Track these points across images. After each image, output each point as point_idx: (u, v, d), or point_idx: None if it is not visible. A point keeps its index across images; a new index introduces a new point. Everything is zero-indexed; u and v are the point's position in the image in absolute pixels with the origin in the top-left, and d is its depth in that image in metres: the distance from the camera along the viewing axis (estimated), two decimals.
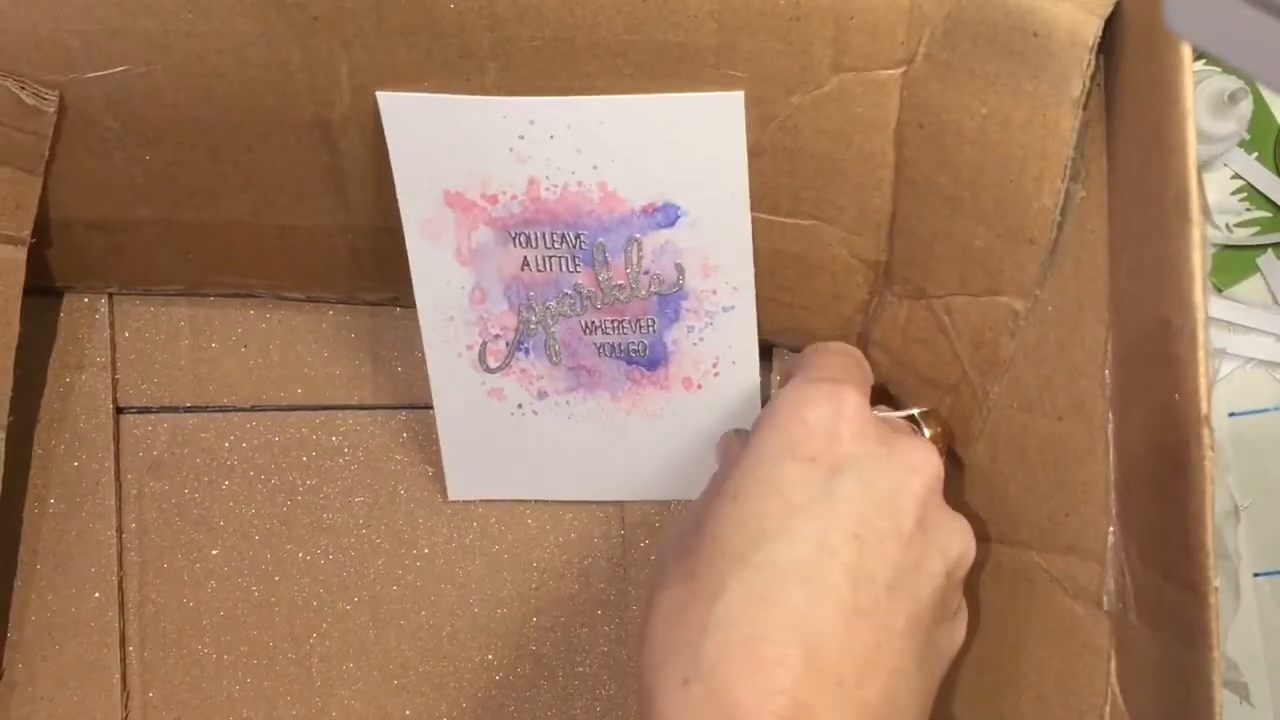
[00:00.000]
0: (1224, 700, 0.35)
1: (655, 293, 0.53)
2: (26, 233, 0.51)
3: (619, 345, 0.54)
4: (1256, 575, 0.60)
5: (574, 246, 0.52)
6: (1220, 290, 0.61)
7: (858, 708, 0.37)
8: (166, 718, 0.59)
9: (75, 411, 0.59)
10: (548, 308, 0.53)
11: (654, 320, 0.53)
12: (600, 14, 0.45)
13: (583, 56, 0.46)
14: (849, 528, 0.39)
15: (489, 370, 0.55)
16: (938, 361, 0.50)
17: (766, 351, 0.58)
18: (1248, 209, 0.61)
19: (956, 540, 0.43)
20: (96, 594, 0.58)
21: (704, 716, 0.37)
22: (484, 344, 0.55)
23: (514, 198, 0.51)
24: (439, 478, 0.59)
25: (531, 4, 0.45)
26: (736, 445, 0.47)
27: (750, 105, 0.47)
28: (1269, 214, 0.61)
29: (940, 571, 0.42)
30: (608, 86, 0.47)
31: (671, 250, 0.51)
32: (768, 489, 0.40)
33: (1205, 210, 0.37)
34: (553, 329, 0.54)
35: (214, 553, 0.59)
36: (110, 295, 0.59)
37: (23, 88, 0.48)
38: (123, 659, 0.58)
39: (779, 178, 0.49)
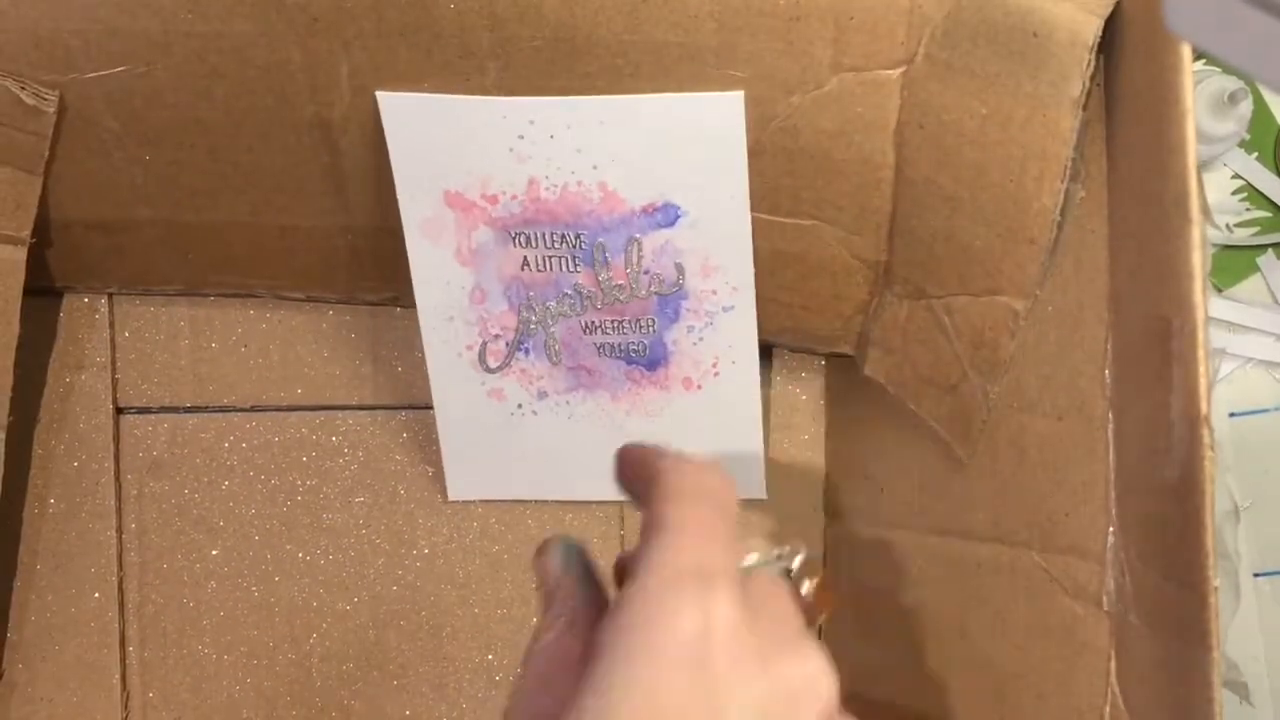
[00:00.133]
0: (1224, 700, 0.35)
1: (655, 293, 0.53)
2: (26, 233, 0.51)
3: (619, 345, 0.54)
4: (1256, 575, 0.60)
5: (574, 246, 0.52)
6: (1220, 290, 0.61)
7: None
8: (166, 718, 0.59)
9: (75, 411, 0.59)
10: (548, 308, 0.53)
11: (654, 320, 0.53)
12: (600, 14, 0.45)
13: (583, 56, 0.46)
14: None
15: (489, 370, 0.55)
16: (938, 361, 0.50)
17: (766, 351, 0.58)
18: (1248, 209, 0.61)
19: None
20: (96, 594, 0.58)
21: None
22: (484, 344, 0.55)
23: (514, 198, 0.51)
24: (439, 478, 0.59)
25: (531, 4, 0.45)
26: (568, 585, 0.39)
27: (750, 105, 0.47)
28: (1269, 214, 0.61)
29: None
30: (608, 86, 0.47)
31: (671, 250, 0.51)
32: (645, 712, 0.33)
33: (1205, 210, 0.37)
34: (553, 329, 0.54)
35: (214, 553, 0.59)
36: (110, 295, 0.59)
37: (23, 88, 0.48)
38: (123, 659, 0.58)
39: (779, 178, 0.49)
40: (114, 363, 0.59)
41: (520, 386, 0.55)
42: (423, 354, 0.55)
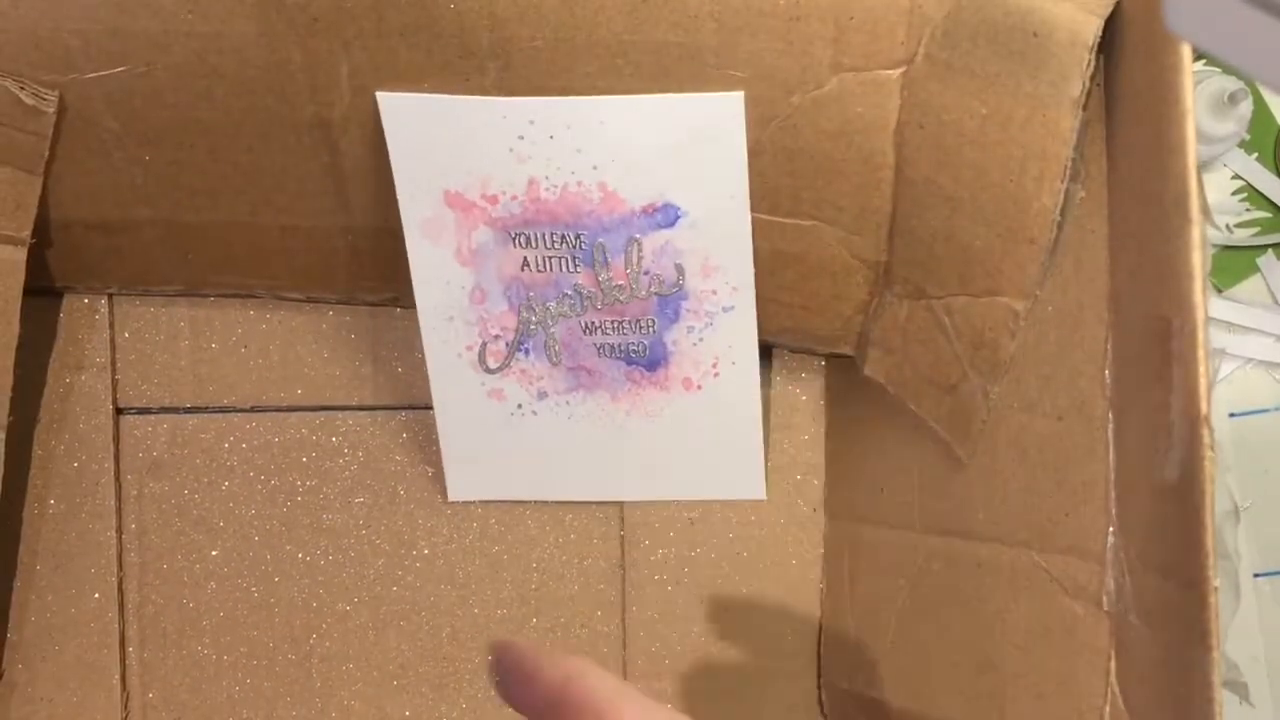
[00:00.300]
0: (1224, 700, 0.35)
1: (655, 293, 0.53)
2: (26, 233, 0.51)
3: (619, 345, 0.54)
4: (1256, 575, 0.60)
5: (574, 247, 0.52)
6: (1220, 290, 0.61)
7: None
8: (166, 718, 0.59)
9: (75, 411, 0.59)
10: (548, 308, 0.53)
11: (654, 320, 0.53)
12: (600, 14, 0.45)
13: (583, 56, 0.46)
14: None
15: (489, 371, 0.55)
16: (938, 361, 0.50)
17: (766, 351, 0.58)
18: (1248, 209, 0.61)
19: None
20: (96, 594, 0.58)
21: None
22: (484, 344, 0.55)
23: (514, 198, 0.51)
24: (439, 478, 0.59)
25: (531, 4, 0.45)
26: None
27: (750, 105, 0.47)
28: (1269, 214, 0.61)
29: None
30: (608, 86, 0.47)
31: (671, 250, 0.51)
32: None
33: (1205, 210, 0.37)
34: (553, 329, 0.54)
35: (214, 553, 0.59)
36: (110, 295, 0.59)
37: (23, 88, 0.48)
38: (123, 659, 0.58)
39: (779, 178, 0.49)
40: (114, 363, 0.59)
41: (520, 387, 0.55)
42: (423, 354, 0.55)
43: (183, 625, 0.59)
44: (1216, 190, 0.61)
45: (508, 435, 0.57)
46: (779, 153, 0.48)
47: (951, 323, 0.49)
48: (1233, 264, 0.61)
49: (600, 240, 0.51)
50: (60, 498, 0.58)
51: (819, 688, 0.59)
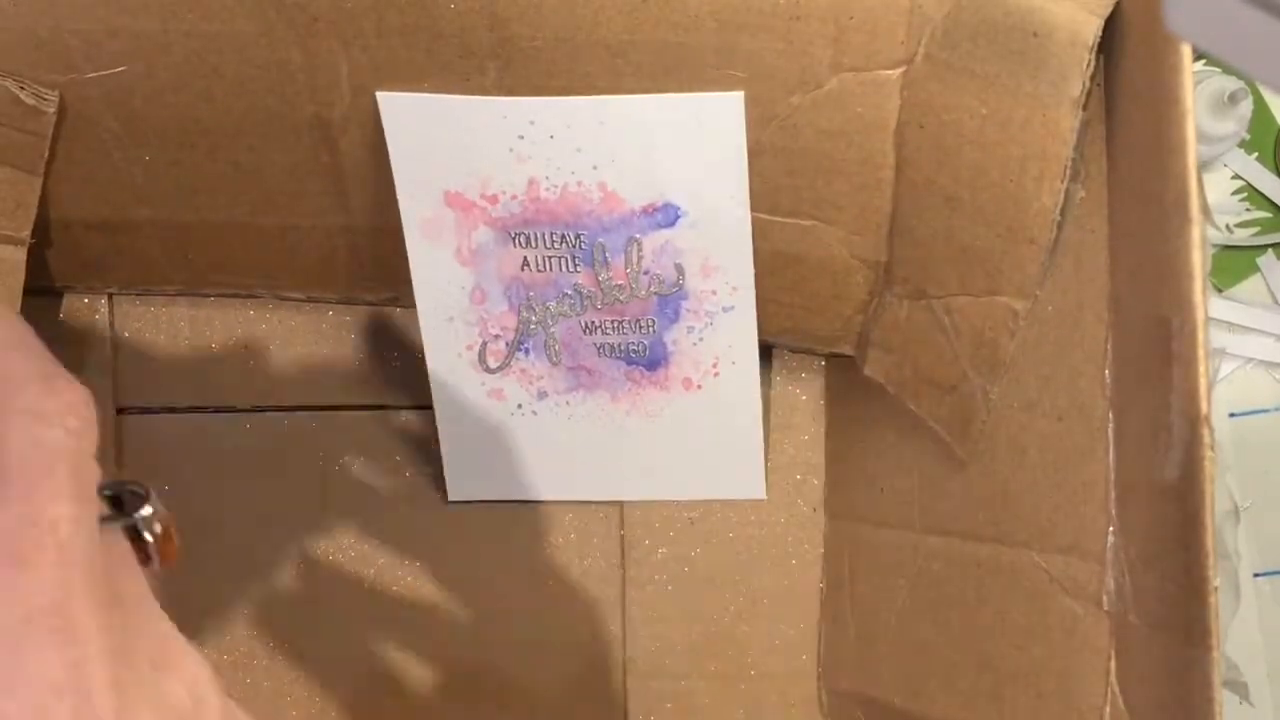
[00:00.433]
0: (1224, 700, 0.35)
1: (655, 293, 0.53)
2: (26, 233, 0.51)
3: (619, 345, 0.54)
4: (1256, 575, 0.60)
5: (574, 246, 0.52)
6: (1220, 290, 0.61)
7: None
8: None
9: None
10: (548, 308, 0.53)
11: (654, 320, 0.53)
12: (600, 14, 0.45)
13: (583, 56, 0.46)
14: None
15: (489, 370, 0.55)
16: (938, 361, 0.50)
17: (766, 351, 0.58)
18: (1248, 209, 0.61)
19: None
20: None
21: None
22: (484, 344, 0.55)
23: (514, 198, 0.51)
24: (439, 478, 0.59)
25: (531, 4, 0.45)
26: None
27: (750, 105, 0.47)
28: (1269, 214, 0.61)
29: None
30: (608, 86, 0.47)
31: (671, 250, 0.51)
32: None
33: (1205, 210, 0.37)
34: (553, 329, 0.54)
35: (214, 553, 0.59)
36: (110, 295, 0.59)
37: (23, 88, 0.48)
38: None
39: (779, 178, 0.49)
40: (114, 363, 0.59)
41: (520, 387, 0.55)
42: (423, 354, 0.55)
43: (183, 625, 0.59)
44: (1216, 190, 0.61)
45: (508, 435, 0.57)
46: (779, 153, 0.48)
47: (951, 323, 0.49)
48: (1233, 264, 0.61)
49: (600, 240, 0.51)
50: None
51: (819, 688, 0.59)
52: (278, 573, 0.59)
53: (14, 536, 0.24)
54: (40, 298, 0.56)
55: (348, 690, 0.59)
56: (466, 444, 0.57)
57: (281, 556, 0.59)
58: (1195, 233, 0.36)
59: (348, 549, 0.59)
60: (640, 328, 0.54)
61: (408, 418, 0.60)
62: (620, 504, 0.59)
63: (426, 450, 0.59)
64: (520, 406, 0.56)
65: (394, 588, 0.59)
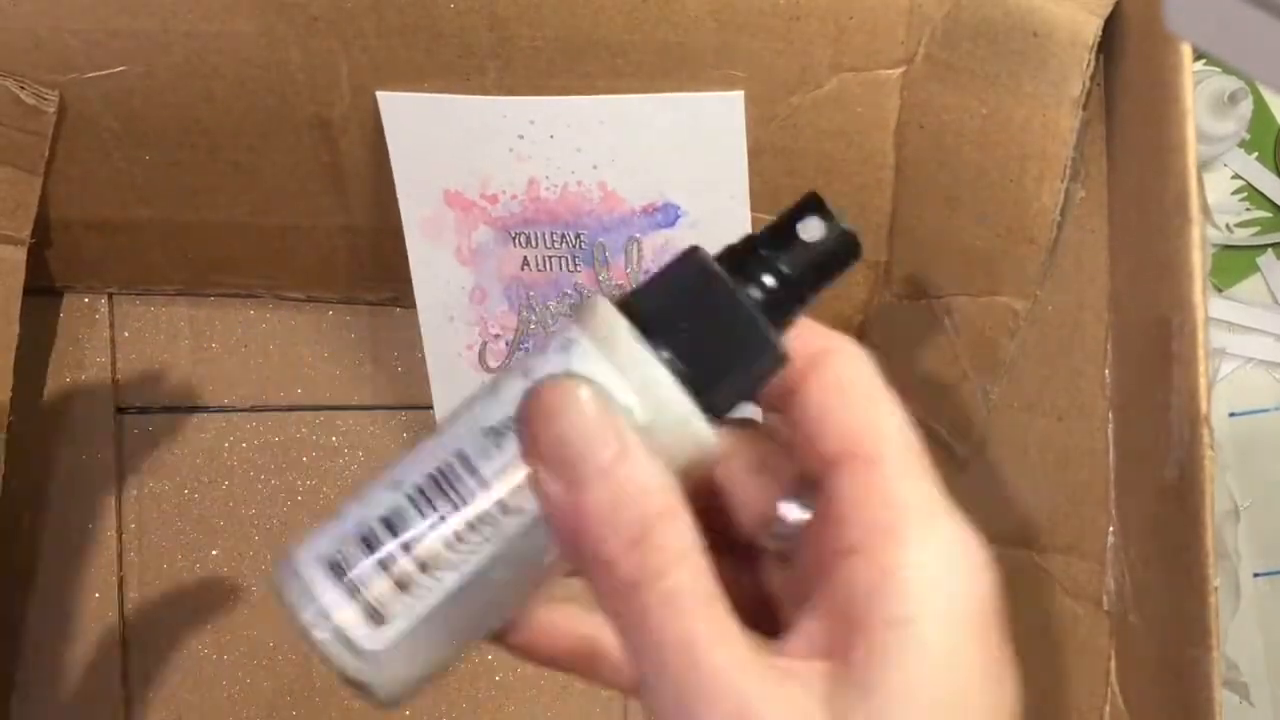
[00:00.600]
0: (1224, 700, 0.35)
1: None
2: (26, 233, 0.51)
3: None
4: (1256, 575, 0.60)
5: (574, 246, 0.52)
6: (1220, 290, 0.61)
7: None
8: (166, 718, 0.59)
9: (75, 411, 0.59)
10: (548, 308, 0.53)
11: None
12: (600, 14, 0.45)
13: (583, 56, 0.46)
14: None
15: (489, 370, 0.55)
16: (938, 361, 0.50)
17: None
18: (1248, 209, 0.61)
19: None
20: (96, 594, 0.58)
21: None
22: (484, 344, 0.55)
23: (514, 197, 0.51)
24: None
25: (531, 4, 0.45)
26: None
27: (750, 105, 0.47)
28: (1269, 214, 0.61)
29: None
30: (608, 86, 0.47)
31: (672, 250, 0.51)
32: None
33: (1205, 210, 0.37)
34: (553, 329, 0.54)
35: (214, 553, 0.59)
36: (110, 295, 0.59)
37: (23, 88, 0.48)
38: (123, 659, 0.58)
39: (779, 178, 0.49)
40: (114, 363, 0.59)
41: None
42: (423, 354, 0.55)
43: (183, 625, 0.59)
44: (1216, 190, 0.61)
45: None
46: (779, 153, 0.48)
47: (951, 323, 0.49)
48: (1233, 264, 0.61)
49: (600, 240, 0.51)
50: (60, 498, 0.58)
51: None
52: None
53: None
54: (40, 298, 0.56)
55: (348, 689, 0.59)
56: None
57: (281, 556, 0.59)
58: (1195, 233, 0.36)
59: None
60: None
61: (408, 418, 0.59)
62: None
63: None
64: None
65: None
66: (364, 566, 0.25)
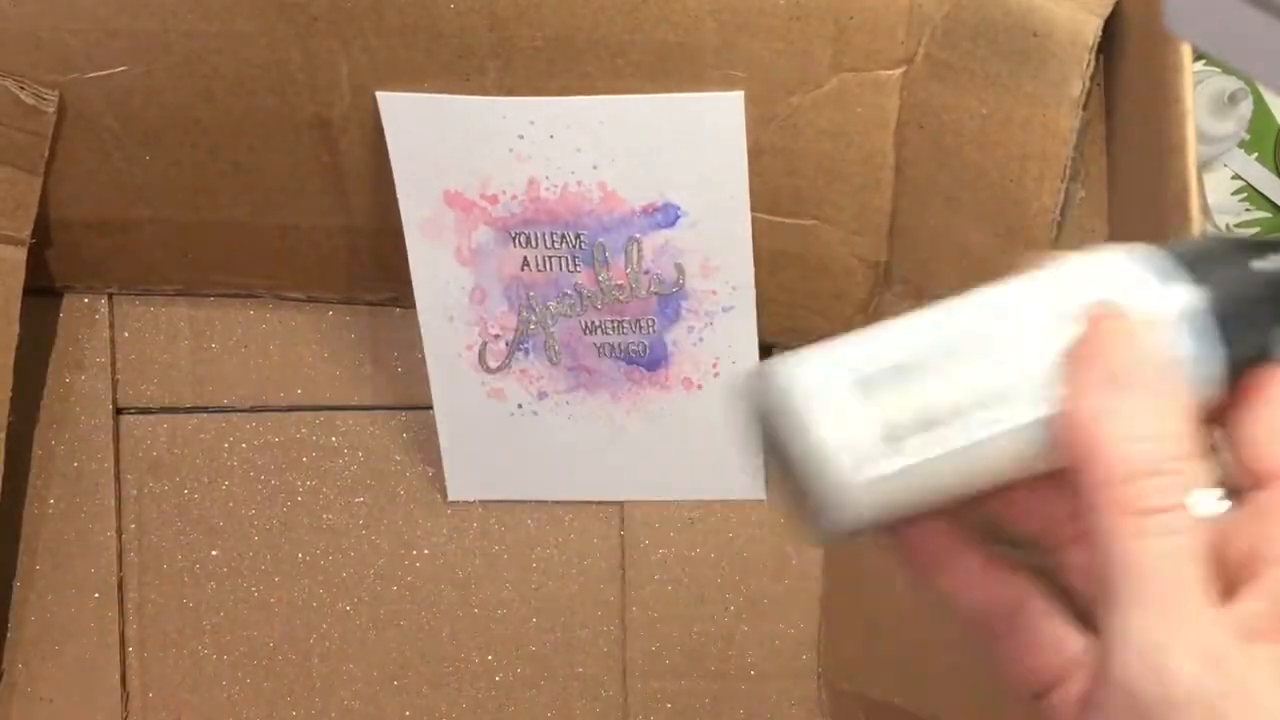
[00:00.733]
0: None
1: (655, 293, 0.53)
2: (26, 233, 0.51)
3: (619, 345, 0.54)
4: None
5: (574, 246, 0.52)
6: None
7: None
8: (166, 718, 0.59)
9: (75, 411, 0.59)
10: (548, 308, 0.53)
11: (654, 320, 0.53)
12: (600, 14, 0.45)
13: (583, 56, 0.46)
14: None
15: (489, 370, 0.55)
16: None
17: (766, 351, 0.58)
18: (1248, 209, 0.61)
19: None
20: (96, 594, 0.58)
21: None
22: (484, 344, 0.55)
23: (514, 197, 0.51)
24: (439, 478, 0.59)
25: (531, 4, 0.45)
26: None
27: (750, 105, 0.47)
28: (1269, 214, 0.61)
29: None
30: (608, 86, 0.47)
31: (672, 250, 0.51)
32: None
33: (1205, 210, 0.37)
34: (553, 329, 0.54)
35: (214, 553, 0.59)
36: (110, 295, 0.59)
37: (23, 88, 0.48)
38: (123, 659, 0.58)
39: (779, 178, 0.49)
40: (114, 363, 0.59)
41: (520, 386, 0.55)
42: (423, 354, 0.55)
43: (183, 625, 0.59)
44: (1216, 190, 0.61)
45: (508, 435, 0.57)
46: (779, 153, 0.48)
47: None
48: None
49: (600, 240, 0.51)
50: (60, 498, 0.58)
51: (819, 688, 0.59)
52: (277, 573, 0.59)
53: None
54: (40, 298, 0.56)
55: (348, 689, 0.59)
56: (466, 444, 0.57)
57: (281, 556, 0.59)
58: (1195, 233, 0.36)
59: (348, 549, 0.59)
60: (640, 328, 0.54)
61: (408, 418, 0.59)
62: (620, 504, 0.59)
63: (426, 450, 0.59)
64: (520, 406, 0.56)
65: (394, 588, 0.59)
66: (893, 394, 0.26)
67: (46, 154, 0.50)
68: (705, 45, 0.45)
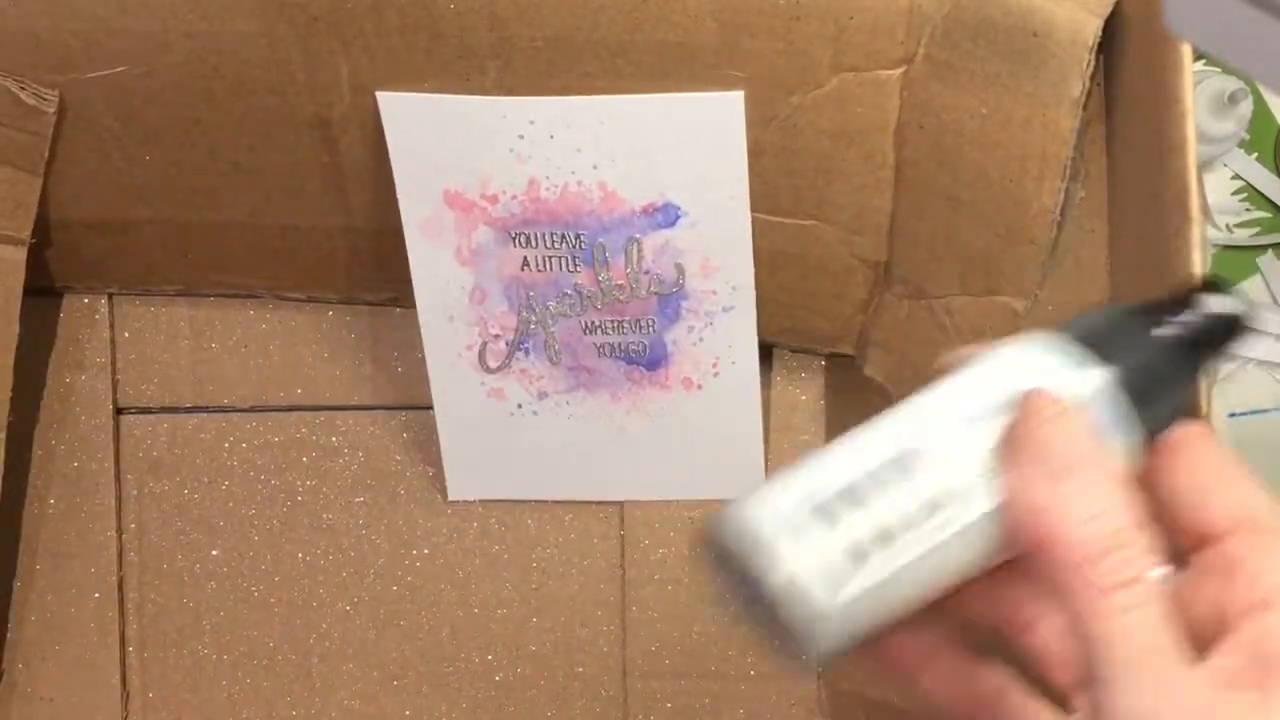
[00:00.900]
0: None
1: (655, 293, 0.53)
2: (26, 233, 0.51)
3: (619, 345, 0.54)
4: None
5: (574, 246, 0.52)
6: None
7: None
8: (166, 718, 0.59)
9: (75, 411, 0.59)
10: (548, 308, 0.53)
11: (654, 320, 0.53)
12: (600, 14, 0.45)
13: (583, 56, 0.46)
14: None
15: (489, 370, 0.55)
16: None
17: (766, 351, 0.58)
18: (1248, 209, 0.61)
19: None
20: (96, 594, 0.58)
21: None
22: (484, 344, 0.55)
23: (514, 197, 0.51)
24: (439, 478, 0.59)
25: (531, 4, 0.45)
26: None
27: (750, 105, 0.47)
28: (1269, 214, 0.61)
29: None
30: (608, 86, 0.47)
31: (672, 250, 0.51)
32: None
33: (1205, 210, 0.37)
34: (553, 329, 0.54)
35: (214, 553, 0.59)
36: (110, 295, 0.59)
37: (23, 88, 0.48)
38: (123, 659, 0.58)
39: (779, 178, 0.49)
40: (114, 363, 0.59)
41: (520, 386, 0.55)
42: (423, 354, 0.55)
43: (183, 625, 0.59)
44: (1216, 190, 0.61)
45: (508, 435, 0.57)
46: (779, 153, 0.48)
47: (951, 323, 0.49)
48: (1233, 264, 0.61)
49: (600, 240, 0.51)
50: (60, 498, 0.58)
51: (819, 688, 0.59)
52: (277, 573, 0.59)
53: None
54: (40, 298, 0.56)
55: (348, 689, 0.59)
56: (466, 444, 0.57)
57: (282, 556, 0.59)
58: (1195, 233, 0.36)
59: (348, 549, 0.59)
60: (640, 327, 0.54)
61: (408, 418, 0.59)
62: (620, 504, 0.59)
63: (426, 450, 0.59)
64: (520, 406, 0.56)
65: (394, 588, 0.59)
66: (836, 527, 0.27)
67: (46, 154, 0.50)
68: (705, 45, 0.45)
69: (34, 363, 0.57)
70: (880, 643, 0.29)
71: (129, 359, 0.59)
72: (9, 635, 0.58)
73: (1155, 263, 0.38)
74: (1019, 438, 0.28)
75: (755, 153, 0.48)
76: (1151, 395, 0.29)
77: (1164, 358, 0.29)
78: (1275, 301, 0.61)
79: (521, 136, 0.49)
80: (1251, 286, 0.61)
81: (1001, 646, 0.31)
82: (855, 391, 0.56)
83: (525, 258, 0.52)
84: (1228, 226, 0.61)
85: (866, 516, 0.27)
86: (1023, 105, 0.43)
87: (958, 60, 0.44)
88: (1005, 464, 0.28)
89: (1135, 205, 0.41)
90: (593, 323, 0.53)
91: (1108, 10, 0.41)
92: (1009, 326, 0.47)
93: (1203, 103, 0.57)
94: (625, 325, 0.53)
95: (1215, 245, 0.60)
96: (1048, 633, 0.30)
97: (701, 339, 0.54)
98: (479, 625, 0.59)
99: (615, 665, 0.59)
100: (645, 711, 0.59)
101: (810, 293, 0.53)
